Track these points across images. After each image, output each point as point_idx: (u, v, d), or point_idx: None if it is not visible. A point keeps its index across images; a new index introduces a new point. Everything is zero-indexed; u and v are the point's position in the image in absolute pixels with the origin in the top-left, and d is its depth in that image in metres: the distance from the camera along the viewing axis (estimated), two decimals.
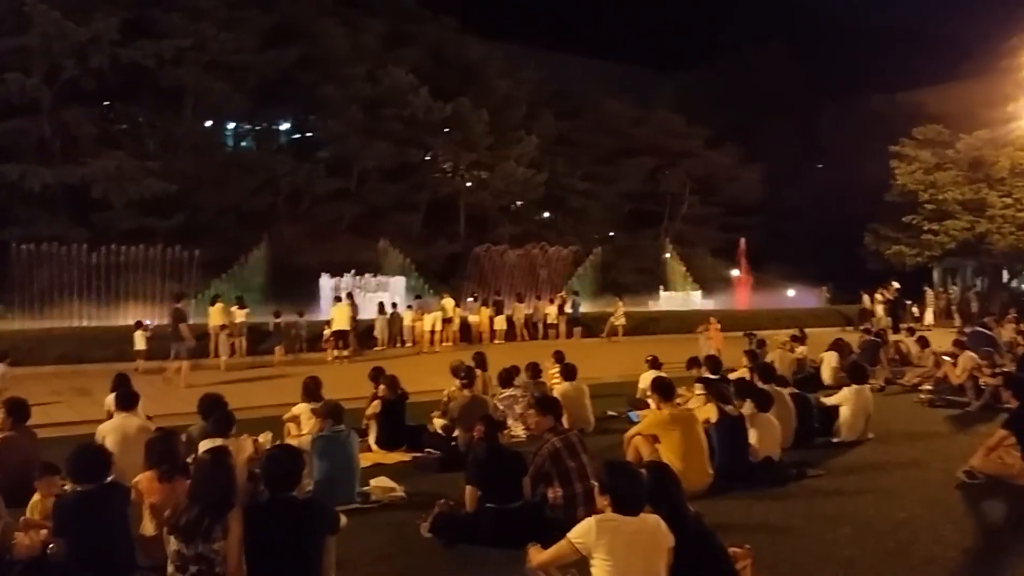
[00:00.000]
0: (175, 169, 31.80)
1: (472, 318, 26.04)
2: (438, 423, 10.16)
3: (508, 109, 41.61)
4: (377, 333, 24.07)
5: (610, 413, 11.81)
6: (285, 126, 42.78)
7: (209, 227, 32.14)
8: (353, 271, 29.81)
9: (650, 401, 8.85)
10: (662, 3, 69.44)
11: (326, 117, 36.40)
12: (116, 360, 19.00)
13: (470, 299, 28.03)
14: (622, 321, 27.28)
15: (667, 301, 38.22)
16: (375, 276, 30.52)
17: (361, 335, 23.34)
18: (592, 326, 28.01)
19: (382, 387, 9.77)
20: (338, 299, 23.36)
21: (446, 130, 38.15)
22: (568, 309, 28.04)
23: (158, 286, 26.31)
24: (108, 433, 7.66)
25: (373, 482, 7.38)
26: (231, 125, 41.29)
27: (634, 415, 10.50)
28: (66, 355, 19.16)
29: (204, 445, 6.60)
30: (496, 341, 25.85)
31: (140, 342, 18.90)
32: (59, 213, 30.13)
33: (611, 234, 47.49)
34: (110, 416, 9.98)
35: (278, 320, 20.98)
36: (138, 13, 31.08)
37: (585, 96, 49.80)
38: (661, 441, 7.15)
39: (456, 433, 9.08)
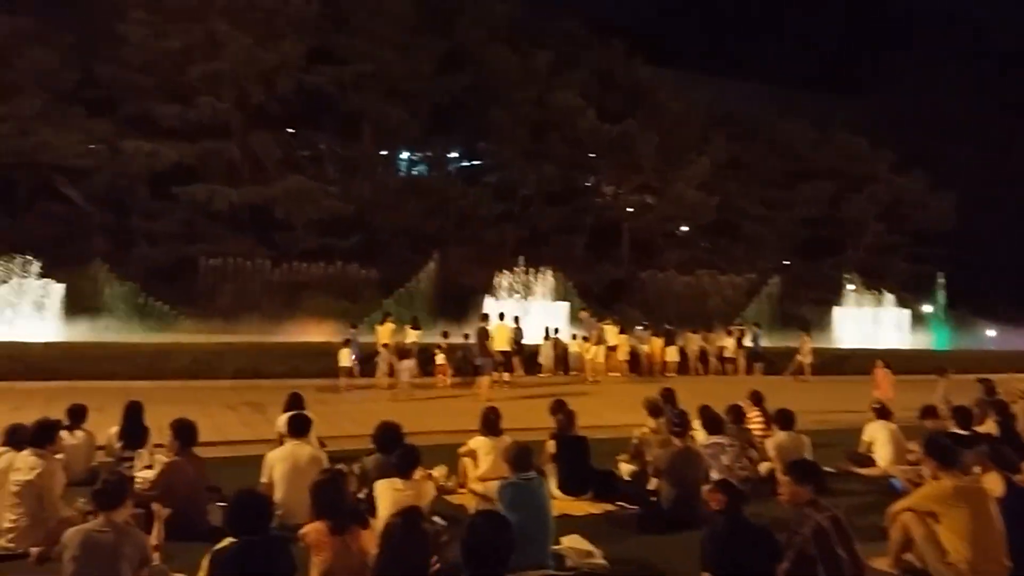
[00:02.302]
0: (353, 193, 32.78)
1: (643, 348, 24.69)
2: (625, 468, 9.04)
3: (678, 131, 40.19)
4: (542, 359, 23.21)
5: (827, 469, 10.23)
6: (455, 153, 43.37)
7: (383, 248, 32.86)
8: (517, 294, 29.34)
9: (924, 469, 7.22)
10: (831, 28, 65.80)
11: (494, 141, 36.51)
12: (292, 376, 19.15)
13: (639, 327, 26.65)
14: (810, 359, 25.08)
15: (855, 337, 35.18)
16: (539, 300, 29.85)
17: (526, 360, 22.58)
18: (775, 362, 25.98)
19: (559, 420, 8.69)
20: (501, 316, 22.71)
21: (613, 152, 37.20)
22: (748, 342, 26.10)
23: (334, 303, 26.77)
24: (277, 462, 7.11)
25: (565, 541, 6.37)
26: (405, 152, 42.34)
27: (897, 483, 8.73)
28: (243, 369, 19.46)
29: (383, 488, 5.86)
30: (668, 374, 24.39)
31: (345, 359, 18.70)
32: (244, 232, 31.54)
33: (786, 262, 44.75)
34: (281, 440, 9.69)
35: (447, 341, 20.52)
36: (323, 39, 32.32)
37: (758, 118, 47.63)
38: (941, 520, 5.67)
39: (656, 486, 7.84)
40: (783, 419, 9.12)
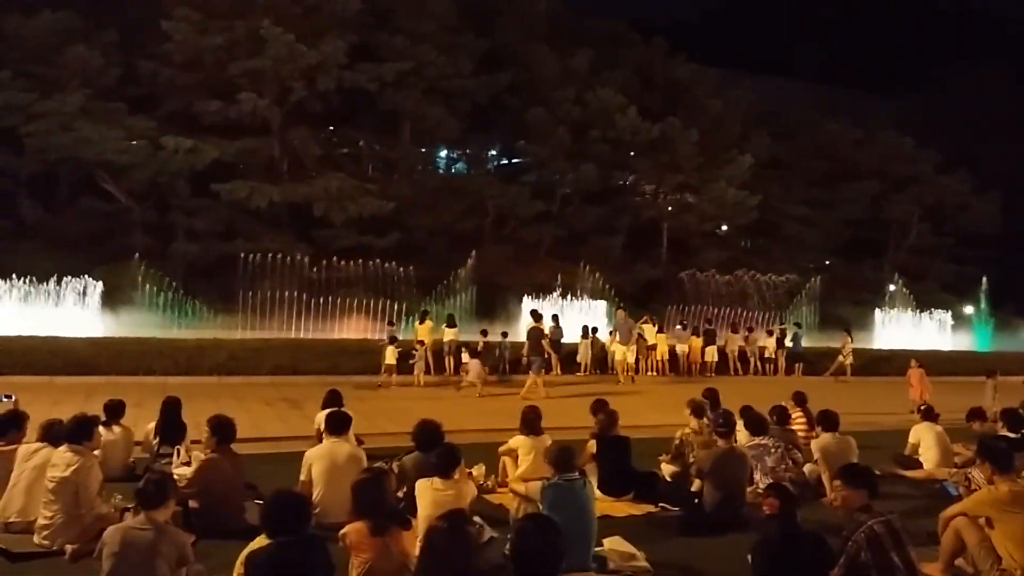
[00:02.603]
0: (391, 191, 32.80)
1: (681, 347, 24.36)
2: (666, 469, 8.84)
3: (719, 129, 39.65)
4: (580, 358, 23.01)
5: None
6: (493, 152, 43.30)
7: (421, 247, 32.86)
8: (556, 293, 29.21)
9: (976, 473, 6.94)
10: (874, 26, 64.58)
11: (533, 140, 36.32)
12: (329, 373, 19.18)
13: (678, 327, 26.32)
14: (851, 360, 24.60)
15: (896, 338, 34.51)
16: (578, 299, 29.71)
17: (564, 360, 22.38)
18: (814, 363, 25.50)
19: (600, 420, 8.50)
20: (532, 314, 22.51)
21: (653, 151, 36.81)
22: (788, 343, 25.65)
23: (372, 301, 26.83)
24: (316, 460, 7.03)
25: (607, 543, 6.20)
26: (443, 151, 42.37)
27: (951, 487, 8.45)
28: (281, 366, 19.49)
29: (423, 487, 5.72)
30: (707, 374, 24.07)
31: (391, 356, 18.58)
32: (283, 229, 31.70)
33: (827, 262, 43.94)
34: (319, 436, 9.61)
35: (485, 340, 20.39)
36: (364, 37, 32.35)
37: (800, 117, 46.87)
38: (995, 526, 5.44)
39: (698, 487, 7.64)
40: (827, 420, 8.81)
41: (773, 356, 25.37)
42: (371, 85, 32.14)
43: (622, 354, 21.56)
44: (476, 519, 5.97)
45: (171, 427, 8.97)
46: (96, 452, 7.16)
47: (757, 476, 8.26)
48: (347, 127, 36.08)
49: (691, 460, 8.59)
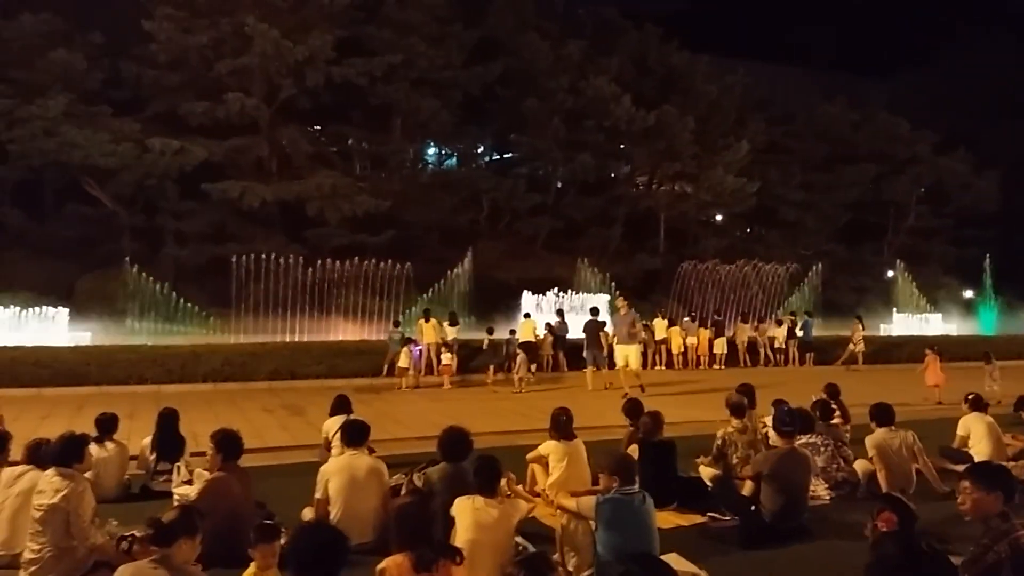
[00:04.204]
0: (383, 188, 32.19)
1: (690, 339, 23.69)
2: (706, 472, 8.14)
3: (715, 116, 39.06)
4: (585, 354, 22.28)
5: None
6: (486, 144, 42.59)
7: (416, 244, 32.20)
8: (556, 288, 28.56)
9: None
10: (868, 8, 64.08)
11: (527, 132, 35.66)
12: (328, 376, 18.56)
13: (686, 318, 25.69)
14: (862, 347, 23.97)
15: (902, 324, 34.00)
16: (577, 293, 29.06)
17: (570, 356, 21.68)
18: (826, 351, 24.90)
19: (644, 423, 7.81)
20: (527, 315, 21.90)
21: (649, 140, 36.16)
22: (799, 332, 25.00)
23: (369, 301, 26.16)
24: (333, 475, 6.32)
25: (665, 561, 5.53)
26: (436, 144, 41.65)
27: None
28: (278, 370, 18.78)
29: (463, 508, 5.00)
30: (716, 366, 23.46)
31: (405, 359, 17.99)
32: (275, 230, 30.99)
33: (825, 248, 43.39)
34: (327, 445, 8.93)
35: (492, 338, 19.70)
36: (352, 30, 31.56)
37: (796, 102, 46.37)
38: None
39: (750, 492, 6.91)
40: (882, 414, 8.04)
41: (783, 346, 24.71)
42: (361, 79, 31.38)
43: (623, 358, 16.83)
44: (518, 539, 5.28)
45: (168, 441, 8.28)
46: (88, 474, 6.43)
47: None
48: (337, 124, 35.31)
49: (734, 461, 7.93)
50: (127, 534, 5.73)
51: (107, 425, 8.11)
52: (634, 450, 7.37)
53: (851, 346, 24.06)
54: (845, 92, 47.68)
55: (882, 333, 31.36)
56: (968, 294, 43.93)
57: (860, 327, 24.58)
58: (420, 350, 19.10)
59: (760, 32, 60.69)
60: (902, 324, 34.03)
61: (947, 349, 20.24)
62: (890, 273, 42.32)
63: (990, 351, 17.99)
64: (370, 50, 31.89)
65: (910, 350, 24.38)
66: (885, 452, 7.65)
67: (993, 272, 41.20)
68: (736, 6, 62.94)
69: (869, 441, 7.75)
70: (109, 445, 7.98)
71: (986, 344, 23.83)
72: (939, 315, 36.02)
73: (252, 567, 4.57)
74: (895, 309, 36.08)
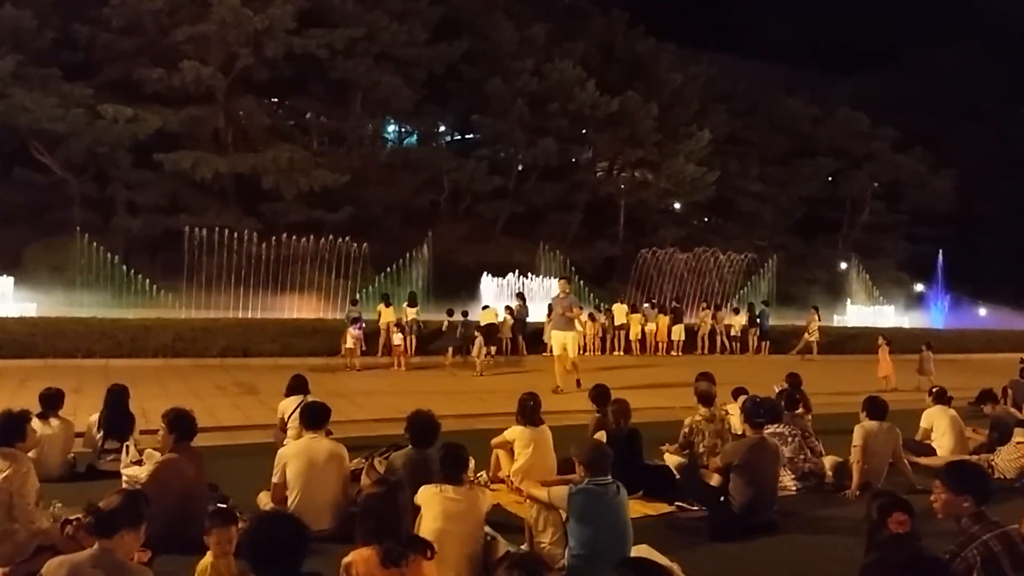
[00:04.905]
0: (342, 165, 31.61)
1: (648, 326, 23.72)
2: (671, 460, 8.05)
3: (678, 105, 39.12)
4: (545, 338, 22.20)
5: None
6: (447, 124, 42.09)
7: (375, 223, 31.72)
8: (516, 271, 28.46)
9: (997, 460, 6.26)
10: (832, 6, 64.48)
11: (491, 113, 35.26)
12: (282, 355, 18.17)
13: (646, 305, 25.74)
14: (816, 337, 24.29)
15: (856, 315, 34.57)
16: (537, 277, 29.02)
17: (530, 340, 21.59)
18: (780, 341, 25.17)
19: (612, 410, 7.65)
20: (486, 307, 21.54)
21: (612, 125, 36.06)
22: (755, 321, 25.22)
23: (325, 279, 25.71)
24: (291, 459, 6.06)
25: (635, 553, 5.38)
26: (396, 122, 41.05)
27: None
28: (231, 347, 18.33)
29: (429, 496, 4.80)
30: (673, 353, 23.55)
31: (350, 340, 17.46)
32: (229, 203, 30.32)
33: (781, 240, 43.86)
34: (282, 425, 8.68)
35: (452, 319, 19.41)
36: (314, 1, 30.68)
37: (758, 94, 46.69)
38: None
39: (717, 483, 6.79)
40: (875, 409, 7.85)
41: (739, 334, 24.92)
42: (321, 52, 30.62)
43: (560, 347, 14.66)
44: (487, 530, 5.09)
45: (117, 419, 7.92)
46: (31, 453, 6.09)
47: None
48: (296, 97, 34.53)
49: (701, 450, 7.85)
50: (72, 517, 5.42)
51: (52, 400, 7.73)
52: (601, 436, 7.22)
53: (806, 335, 24.36)
54: (807, 87, 48.15)
55: (836, 324, 31.77)
56: (919, 288, 44.89)
57: (816, 317, 24.87)
58: (361, 326, 18.35)
59: (725, 24, 60.87)
60: (856, 315, 34.58)
61: (899, 341, 20.61)
62: (843, 265, 43.01)
63: (931, 340, 18.41)
64: (332, 22, 31.09)
65: (864, 342, 24.80)
66: (869, 445, 7.62)
67: (946, 269, 42.14)
68: None
69: (858, 431, 7.66)
70: (54, 422, 7.60)
71: (934, 337, 24.48)
72: (891, 307, 36.69)
73: (208, 556, 4.32)
74: (849, 301, 36.67)
